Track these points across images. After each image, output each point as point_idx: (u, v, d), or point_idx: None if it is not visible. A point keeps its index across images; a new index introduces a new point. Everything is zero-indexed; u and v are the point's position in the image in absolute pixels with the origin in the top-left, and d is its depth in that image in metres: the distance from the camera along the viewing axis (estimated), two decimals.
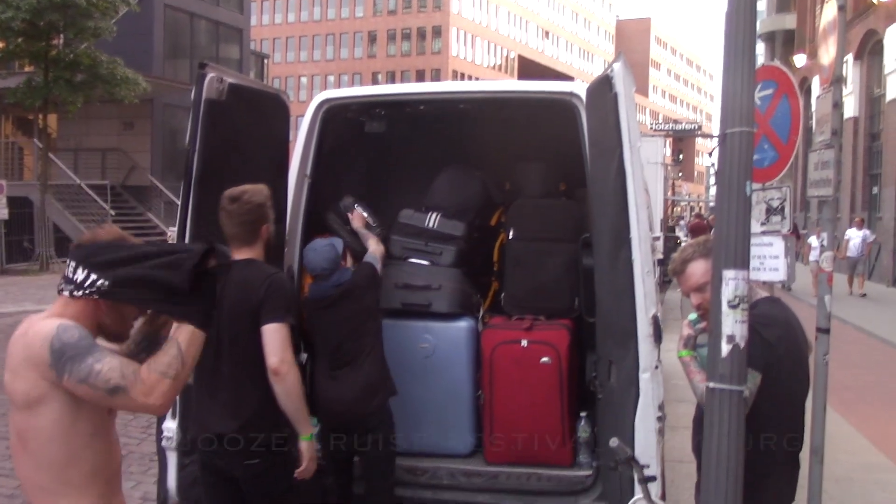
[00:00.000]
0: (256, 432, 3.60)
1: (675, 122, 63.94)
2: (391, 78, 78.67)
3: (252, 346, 3.58)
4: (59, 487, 2.40)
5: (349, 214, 5.11)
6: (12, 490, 6.07)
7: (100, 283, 2.42)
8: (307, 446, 3.72)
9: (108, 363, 2.34)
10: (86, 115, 25.11)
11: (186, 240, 4.09)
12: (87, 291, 2.43)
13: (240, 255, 3.76)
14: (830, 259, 3.96)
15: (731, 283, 2.55)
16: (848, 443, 7.53)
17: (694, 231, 24.85)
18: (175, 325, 2.52)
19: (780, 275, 4.45)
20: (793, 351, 3.29)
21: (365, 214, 5.10)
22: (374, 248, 4.72)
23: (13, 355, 2.43)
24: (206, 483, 3.80)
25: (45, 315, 2.47)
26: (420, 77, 76.97)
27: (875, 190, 25.95)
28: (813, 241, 19.77)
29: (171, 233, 4.48)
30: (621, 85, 3.83)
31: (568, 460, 4.79)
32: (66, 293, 2.46)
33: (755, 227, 4.60)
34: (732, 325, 2.56)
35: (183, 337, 2.45)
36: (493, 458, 4.86)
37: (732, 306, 2.56)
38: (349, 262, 4.69)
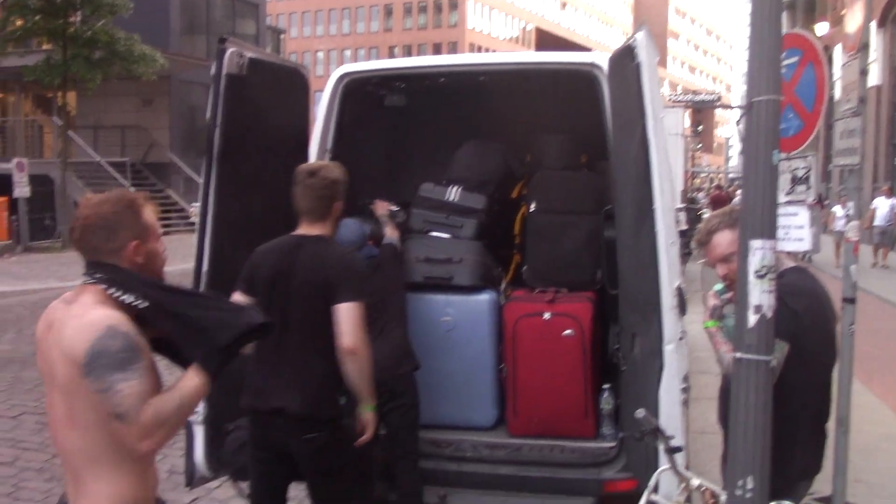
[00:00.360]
0: (320, 407, 3.64)
1: (695, 92, 63.16)
2: (408, 51, 78.33)
3: (322, 323, 3.60)
4: (111, 457, 2.40)
5: (374, 203, 5.10)
6: (42, 464, 6.16)
7: (139, 303, 2.43)
8: (371, 416, 3.74)
9: (131, 387, 2.29)
10: (104, 92, 25.21)
11: (209, 216, 4.10)
12: (127, 300, 2.42)
13: (310, 230, 3.76)
14: (857, 228, 3.92)
15: (759, 252, 2.53)
16: (872, 413, 7.49)
17: (714, 202, 24.70)
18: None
19: (805, 245, 4.41)
20: (820, 321, 3.27)
21: (387, 203, 5.11)
22: (391, 232, 4.83)
23: (56, 335, 2.42)
24: (256, 458, 3.80)
25: (97, 300, 2.43)
26: (437, 50, 76.53)
27: None
28: (838, 210, 19.29)
29: (194, 209, 4.49)
30: (644, 55, 3.79)
31: (591, 432, 4.80)
32: (107, 290, 2.43)
33: (780, 196, 4.55)
34: (759, 294, 2.54)
35: (188, 388, 2.42)
36: (517, 431, 4.88)
37: (759, 276, 2.54)
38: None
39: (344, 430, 3.66)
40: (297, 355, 3.66)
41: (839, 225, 19.16)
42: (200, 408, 4.08)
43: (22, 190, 20.64)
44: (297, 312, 3.64)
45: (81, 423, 2.38)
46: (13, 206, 21.18)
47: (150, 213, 2.60)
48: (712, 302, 3.37)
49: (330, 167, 3.83)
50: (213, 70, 4.11)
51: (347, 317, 3.57)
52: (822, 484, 3.60)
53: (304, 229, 3.77)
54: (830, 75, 7.32)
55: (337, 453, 3.67)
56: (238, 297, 3.76)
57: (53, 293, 13.95)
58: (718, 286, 3.42)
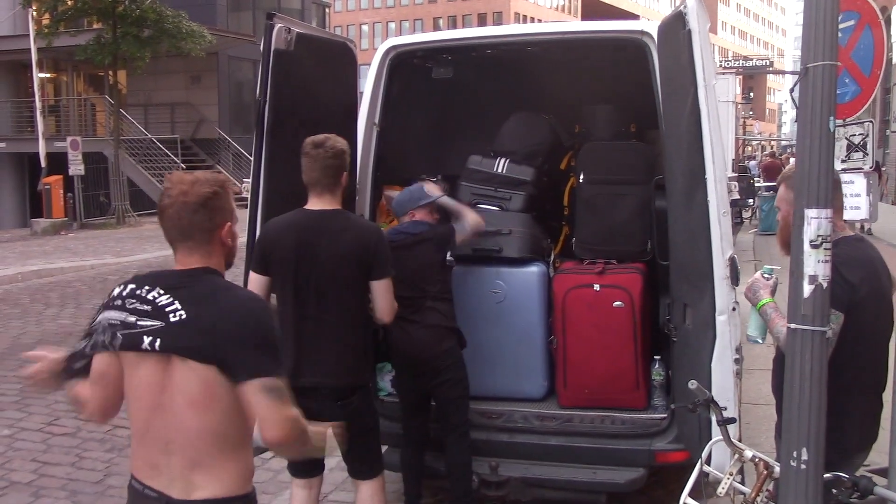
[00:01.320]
0: (354, 377, 3.86)
1: (746, 58, 61.97)
2: (452, 23, 77.88)
3: (354, 296, 3.80)
4: (242, 437, 2.45)
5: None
6: (103, 434, 6.33)
7: None
8: None
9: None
10: (154, 70, 25.49)
11: (260, 191, 4.16)
12: None
13: (321, 202, 3.82)
14: None
15: (814, 222, 2.50)
16: None
17: (767, 171, 24.23)
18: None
19: (861, 213, 4.33)
20: (876, 291, 3.21)
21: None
22: (472, 219, 4.63)
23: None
24: None
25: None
26: (482, 21, 75.97)
27: None
28: None
29: (246, 184, 4.54)
30: (695, 21, 3.73)
31: (642, 403, 4.79)
32: None
33: (836, 164, 4.47)
34: (815, 265, 2.51)
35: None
36: (567, 402, 4.88)
37: (815, 246, 2.51)
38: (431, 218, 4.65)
39: (371, 396, 3.93)
40: (331, 329, 3.77)
41: None
42: None
43: (77, 168, 21.04)
44: (327, 287, 3.74)
45: (220, 405, 2.37)
46: (69, 183, 21.61)
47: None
48: (762, 282, 3.31)
49: (335, 138, 3.85)
50: (261, 46, 4.14)
51: (383, 294, 3.84)
52: (877, 455, 3.54)
53: (316, 203, 3.83)
54: (889, 38, 7.09)
55: (367, 416, 3.92)
56: (254, 278, 3.84)
57: (110, 268, 14.31)
58: (767, 267, 3.37)
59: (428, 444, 4.59)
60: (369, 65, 5.11)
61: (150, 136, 26.26)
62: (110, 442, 6.21)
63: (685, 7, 3.79)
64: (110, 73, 24.02)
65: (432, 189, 4.63)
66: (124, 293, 2.48)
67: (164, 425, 2.41)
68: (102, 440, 6.25)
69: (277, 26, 4.09)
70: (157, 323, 2.37)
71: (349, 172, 3.96)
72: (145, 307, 2.41)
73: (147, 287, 2.45)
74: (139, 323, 2.39)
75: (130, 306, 2.43)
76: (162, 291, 2.41)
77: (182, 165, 25.44)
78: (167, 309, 2.38)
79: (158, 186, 25.21)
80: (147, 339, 2.37)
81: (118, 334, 2.43)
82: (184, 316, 2.36)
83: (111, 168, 23.64)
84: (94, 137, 26.91)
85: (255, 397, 2.32)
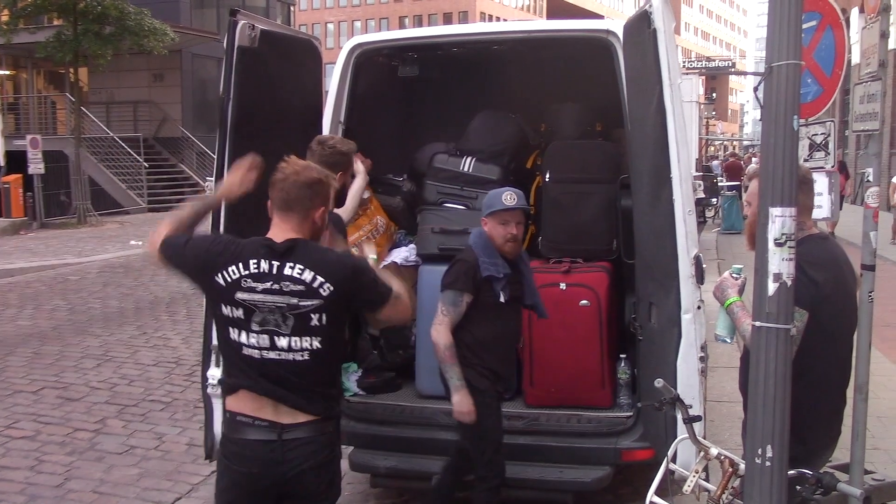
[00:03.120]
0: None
1: (709, 59, 62.59)
2: (418, 22, 77.76)
3: None
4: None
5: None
6: (63, 438, 6.22)
7: None
8: None
9: None
10: (116, 67, 25.19)
11: None
12: None
13: None
14: (876, 194, 3.88)
15: (778, 220, 2.51)
16: (889, 380, 7.47)
17: (729, 170, 24.50)
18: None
19: (823, 212, 4.37)
20: (840, 290, 3.24)
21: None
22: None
23: None
24: None
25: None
26: (447, 20, 75.97)
27: None
28: None
29: (209, 183, 4.48)
30: (661, 20, 3.75)
31: (608, 402, 4.80)
32: None
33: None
34: (779, 263, 2.52)
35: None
36: (534, 401, 4.89)
37: (779, 244, 2.51)
38: None
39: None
40: None
41: None
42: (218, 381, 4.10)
43: (36, 167, 20.66)
44: None
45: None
46: (28, 182, 21.23)
47: None
48: (731, 281, 3.33)
49: (342, 140, 4.00)
50: (224, 43, 4.08)
51: None
52: (839, 452, 3.59)
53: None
54: (848, 39, 7.19)
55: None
56: None
57: (70, 269, 14.08)
58: (735, 267, 3.39)
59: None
60: (334, 63, 5.07)
61: (112, 134, 25.90)
62: (70, 445, 6.10)
63: (650, 6, 3.80)
64: (71, 70, 23.63)
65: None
66: (255, 270, 2.89)
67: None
68: (63, 443, 6.14)
69: (241, 23, 4.04)
70: (315, 301, 2.88)
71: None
72: (299, 287, 2.87)
73: (276, 262, 2.89)
74: (302, 304, 2.88)
75: (287, 289, 2.88)
76: (301, 266, 2.88)
77: (145, 164, 25.15)
78: (315, 285, 2.88)
79: (120, 185, 24.93)
80: (315, 317, 2.89)
81: (289, 315, 2.88)
82: (331, 288, 2.88)
83: (72, 167, 23.25)
84: (55, 136, 26.50)
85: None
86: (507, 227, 4.03)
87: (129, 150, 25.35)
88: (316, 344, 2.91)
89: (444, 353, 4.02)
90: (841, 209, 16.77)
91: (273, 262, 2.90)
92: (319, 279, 2.88)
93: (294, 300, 2.88)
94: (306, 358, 2.91)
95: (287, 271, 2.88)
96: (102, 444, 6.16)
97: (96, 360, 8.28)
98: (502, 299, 4.02)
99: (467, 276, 4.04)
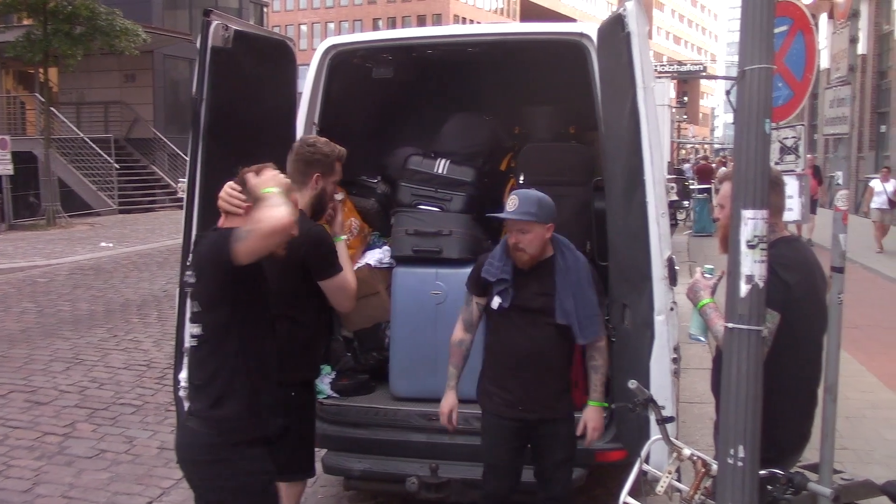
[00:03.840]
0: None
1: (680, 63, 63.04)
2: (392, 24, 77.76)
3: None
4: None
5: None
6: (31, 442, 6.14)
7: None
8: None
9: None
10: (87, 68, 24.90)
11: (196, 192, 4.07)
12: None
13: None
14: (845, 197, 3.93)
15: (751, 222, 2.53)
16: (858, 381, 7.57)
17: (700, 173, 24.73)
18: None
19: (794, 215, 4.41)
20: (811, 292, 3.28)
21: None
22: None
23: None
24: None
25: None
26: (421, 22, 75.95)
27: (882, 128, 25.70)
28: (876, 184, 16.93)
29: (181, 184, 4.42)
30: (635, 24, 3.77)
31: (581, 403, 4.81)
32: None
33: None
34: (751, 265, 2.54)
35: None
36: None
37: (751, 246, 2.53)
38: None
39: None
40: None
41: (878, 202, 16.58)
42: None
43: (5, 167, 20.38)
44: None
45: None
46: None
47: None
48: (703, 282, 3.36)
49: (326, 142, 3.96)
50: (198, 43, 4.05)
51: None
52: (809, 452, 3.63)
53: None
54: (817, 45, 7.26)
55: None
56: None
57: (39, 271, 13.91)
58: (707, 267, 3.42)
59: None
60: (308, 65, 5.05)
61: (82, 135, 25.61)
62: (39, 449, 6.03)
63: (624, 10, 3.82)
64: (41, 70, 23.35)
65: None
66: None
67: None
68: (31, 448, 6.06)
69: (215, 23, 4.01)
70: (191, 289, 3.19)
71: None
72: (189, 276, 3.19)
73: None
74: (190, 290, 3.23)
75: (188, 279, 3.22)
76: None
77: (116, 165, 24.89)
78: (188, 273, 3.19)
79: (91, 187, 24.65)
80: (194, 304, 3.19)
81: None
82: (195, 277, 3.13)
83: (41, 168, 22.97)
84: (24, 136, 26.17)
85: None
86: (510, 235, 3.88)
87: (99, 151, 25.08)
88: (197, 330, 3.10)
89: (449, 350, 4.09)
90: (815, 213, 17.10)
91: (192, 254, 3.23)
92: (191, 269, 3.14)
93: (189, 289, 3.19)
94: (195, 344, 3.12)
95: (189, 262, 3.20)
96: (72, 448, 6.09)
97: (66, 364, 8.19)
98: (494, 305, 3.90)
99: (472, 276, 4.05)
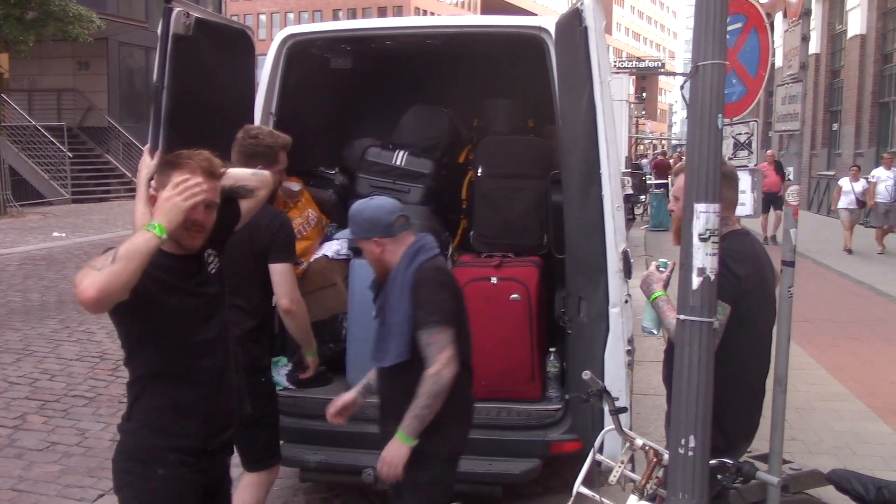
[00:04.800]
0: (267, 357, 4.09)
1: (639, 59, 63.62)
2: (352, 15, 77.36)
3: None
4: None
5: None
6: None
7: None
8: (313, 360, 4.15)
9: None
10: (39, 54, 24.41)
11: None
12: None
13: None
14: (796, 192, 4.00)
15: (703, 216, 2.57)
16: (807, 374, 7.72)
17: (657, 168, 24.98)
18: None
19: (746, 209, 4.49)
20: (761, 285, 3.34)
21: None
22: None
23: None
24: None
25: None
26: (382, 14, 75.67)
27: (835, 126, 26.20)
28: (845, 183, 16.35)
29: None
30: (592, 18, 3.80)
31: (537, 395, 4.85)
32: None
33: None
34: (703, 257, 2.58)
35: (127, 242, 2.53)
36: None
37: (703, 239, 2.58)
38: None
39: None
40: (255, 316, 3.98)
41: (846, 202, 16.04)
42: None
43: None
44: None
45: None
46: None
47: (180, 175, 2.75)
48: (656, 274, 3.40)
49: (270, 132, 3.99)
50: (159, 30, 4.00)
51: (282, 278, 3.82)
52: (759, 442, 3.70)
53: None
54: (772, 43, 7.33)
55: (274, 394, 4.15)
56: None
57: None
58: (662, 260, 3.47)
59: None
60: (266, 55, 5.01)
61: (34, 123, 25.12)
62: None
63: (582, 4, 3.85)
64: None
65: None
66: None
67: None
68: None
69: (176, 10, 3.96)
70: None
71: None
72: None
73: None
74: None
75: None
76: None
77: (69, 154, 24.46)
78: None
79: (43, 176, 24.19)
80: None
81: None
82: None
83: None
84: None
85: None
86: None
87: (52, 139, 24.62)
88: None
89: None
90: (781, 210, 17.04)
91: None
92: None
93: None
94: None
95: None
96: (22, 440, 5.98)
97: (16, 355, 8.04)
98: (374, 312, 3.59)
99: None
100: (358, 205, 3.54)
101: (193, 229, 2.79)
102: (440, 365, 3.20)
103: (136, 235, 2.56)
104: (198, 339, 2.86)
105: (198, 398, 2.87)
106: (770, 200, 15.78)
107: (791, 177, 4.10)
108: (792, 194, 4.02)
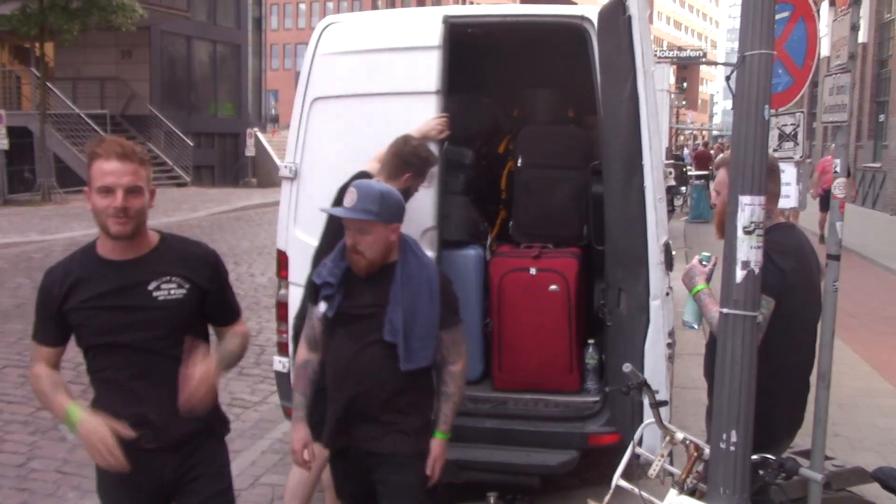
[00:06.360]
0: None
1: (680, 49, 62.98)
2: (391, 3, 77.34)
3: None
4: None
5: None
6: (26, 417, 6.15)
7: None
8: None
9: None
10: (83, 43, 24.77)
11: None
12: None
13: None
14: (843, 186, 3.93)
15: (748, 209, 2.53)
16: (851, 369, 7.60)
17: (698, 159, 24.71)
18: None
19: (791, 202, 4.42)
20: (806, 278, 3.29)
21: None
22: None
23: None
24: None
25: None
26: (420, 3, 75.60)
27: (881, 118, 25.68)
28: None
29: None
30: (636, 7, 3.76)
31: (575, 386, 4.84)
32: None
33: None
34: (747, 251, 2.55)
35: None
36: (502, 385, 4.91)
37: (748, 232, 2.54)
38: None
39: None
40: None
41: None
42: None
43: (0, 142, 20.34)
44: None
45: None
46: None
47: (97, 165, 2.86)
48: (699, 268, 3.36)
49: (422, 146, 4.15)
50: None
51: None
52: (801, 438, 3.65)
53: None
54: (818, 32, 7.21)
55: None
56: None
57: (34, 247, 13.86)
58: (705, 254, 3.42)
59: None
60: (307, 44, 5.02)
61: (78, 111, 25.49)
62: (34, 424, 6.03)
63: None
64: (37, 44, 23.20)
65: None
66: None
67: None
68: (26, 422, 6.06)
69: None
70: None
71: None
72: None
73: None
74: None
75: None
76: None
77: None
78: None
79: (86, 163, 24.50)
80: None
81: None
82: None
83: (37, 143, 22.88)
84: (19, 111, 26.00)
85: None
86: (347, 236, 3.17)
87: (95, 127, 24.97)
88: None
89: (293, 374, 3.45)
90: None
91: None
92: None
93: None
94: None
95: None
96: None
97: None
98: (321, 310, 3.24)
99: (306, 281, 3.63)
100: (376, 185, 3.28)
101: (116, 215, 2.79)
102: (464, 361, 3.33)
103: (58, 405, 2.99)
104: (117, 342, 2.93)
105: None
106: (829, 198, 15.25)
107: (838, 169, 4.03)
108: (838, 187, 3.95)
